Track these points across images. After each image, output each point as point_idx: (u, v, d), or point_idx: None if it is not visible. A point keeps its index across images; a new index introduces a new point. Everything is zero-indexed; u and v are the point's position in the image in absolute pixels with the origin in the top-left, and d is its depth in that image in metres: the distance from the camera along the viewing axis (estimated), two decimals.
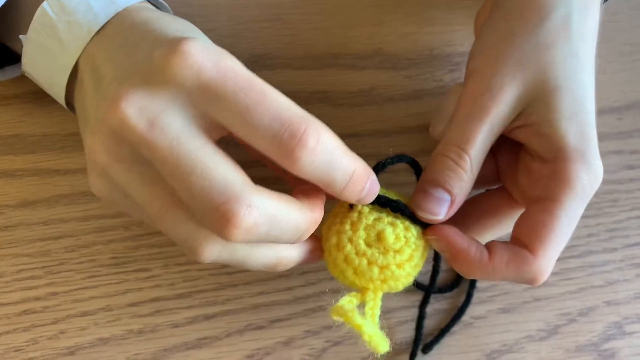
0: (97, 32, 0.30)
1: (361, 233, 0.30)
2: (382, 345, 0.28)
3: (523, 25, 0.32)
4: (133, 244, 0.38)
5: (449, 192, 0.31)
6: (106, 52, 0.30)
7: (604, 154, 0.42)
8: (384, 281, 0.30)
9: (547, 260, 0.30)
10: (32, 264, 0.37)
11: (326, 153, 0.26)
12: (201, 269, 0.38)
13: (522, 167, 0.33)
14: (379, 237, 0.30)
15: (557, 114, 0.31)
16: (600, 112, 0.43)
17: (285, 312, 0.37)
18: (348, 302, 0.29)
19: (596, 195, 0.41)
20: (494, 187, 0.36)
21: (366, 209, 0.31)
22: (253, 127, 0.25)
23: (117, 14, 0.30)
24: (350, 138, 0.41)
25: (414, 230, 0.31)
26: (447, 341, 0.38)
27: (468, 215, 0.33)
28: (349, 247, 0.30)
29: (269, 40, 0.42)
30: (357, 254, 0.30)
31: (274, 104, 0.26)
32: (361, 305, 0.30)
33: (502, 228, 0.33)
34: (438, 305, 0.39)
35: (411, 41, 0.43)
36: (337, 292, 0.37)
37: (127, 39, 0.29)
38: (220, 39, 0.42)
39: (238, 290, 0.37)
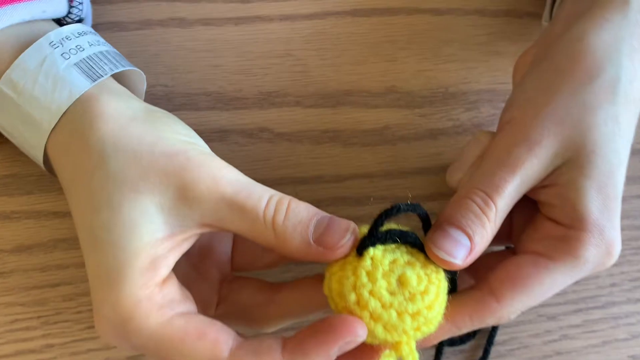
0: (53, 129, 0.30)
1: (381, 282, 0.28)
2: None
3: (570, 82, 0.30)
4: None
5: (470, 237, 0.29)
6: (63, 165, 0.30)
7: (627, 198, 0.41)
8: (417, 329, 0.28)
9: (513, 310, 0.30)
10: (27, 313, 0.35)
11: None
12: None
13: (532, 220, 0.32)
14: (401, 281, 0.28)
15: (587, 181, 0.29)
16: None
17: None
18: None
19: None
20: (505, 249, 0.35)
21: (378, 253, 0.28)
22: None
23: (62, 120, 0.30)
24: (362, 179, 0.40)
25: (432, 265, 0.29)
26: None
27: (488, 280, 0.31)
28: (373, 301, 0.27)
29: (278, 77, 0.41)
30: (383, 307, 0.28)
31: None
32: None
33: (533, 297, 0.30)
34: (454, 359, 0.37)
35: (425, 78, 0.42)
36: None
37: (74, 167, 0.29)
38: (228, 76, 0.40)
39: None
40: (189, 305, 0.28)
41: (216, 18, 0.41)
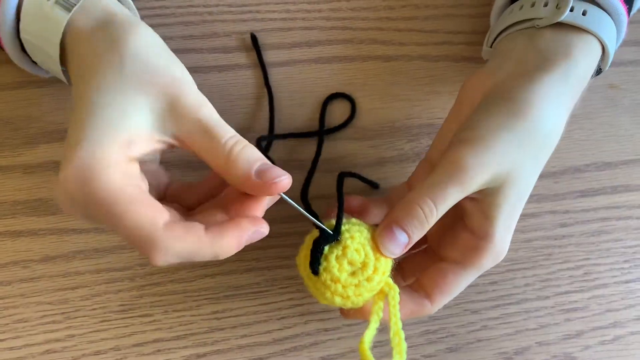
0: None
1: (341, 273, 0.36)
2: None
3: (510, 120, 0.36)
4: (138, 293, 0.44)
5: (409, 237, 0.36)
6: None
7: (540, 214, 0.49)
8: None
9: (439, 307, 0.39)
10: (53, 310, 0.42)
11: (180, 255, 0.31)
12: (195, 315, 0.44)
13: (452, 230, 0.40)
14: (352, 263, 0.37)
15: (507, 205, 0.37)
16: (539, 176, 0.49)
17: (265, 352, 0.44)
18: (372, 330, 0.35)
19: (533, 249, 0.48)
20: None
21: (330, 263, 0.36)
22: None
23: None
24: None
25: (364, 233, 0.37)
26: None
27: (423, 286, 0.40)
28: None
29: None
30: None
31: (126, 226, 0.30)
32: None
33: (452, 296, 0.39)
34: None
35: (376, 115, 0.49)
36: (310, 334, 0.44)
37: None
38: None
39: (225, 333, 0.44)
40: (145, 186, 0.33)
41: None
